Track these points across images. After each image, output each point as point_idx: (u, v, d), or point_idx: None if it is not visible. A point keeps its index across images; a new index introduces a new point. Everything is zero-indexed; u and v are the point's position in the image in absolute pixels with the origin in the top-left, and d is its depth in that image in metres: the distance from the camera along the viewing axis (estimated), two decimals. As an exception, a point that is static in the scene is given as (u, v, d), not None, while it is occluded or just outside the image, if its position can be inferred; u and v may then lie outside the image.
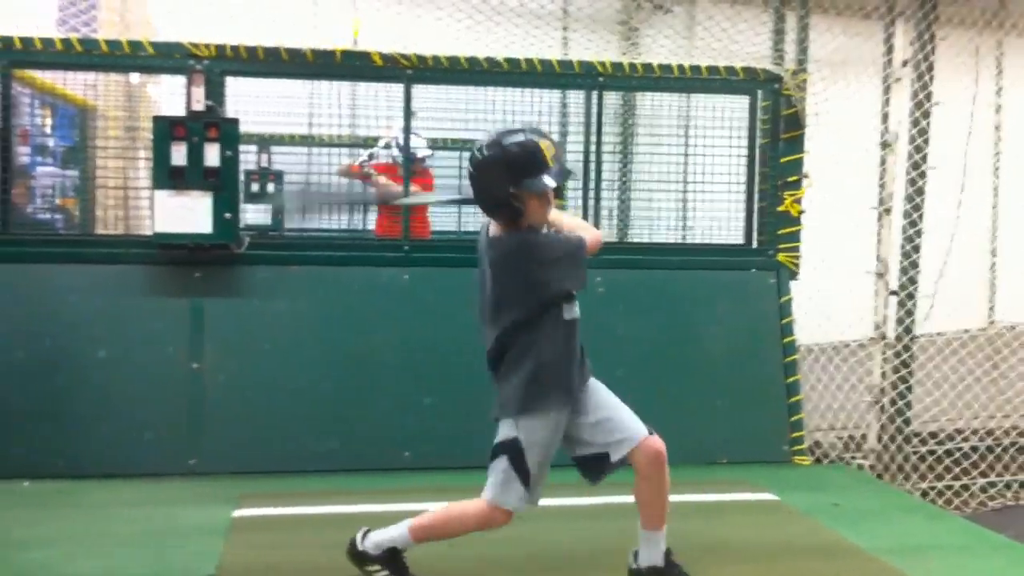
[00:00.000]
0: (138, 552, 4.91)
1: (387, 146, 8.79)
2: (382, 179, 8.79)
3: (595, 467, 4.24)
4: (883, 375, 7.52)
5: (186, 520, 5.45)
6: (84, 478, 6.19)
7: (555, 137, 9.73)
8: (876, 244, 7.67)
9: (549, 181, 3.98)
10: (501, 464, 4.14)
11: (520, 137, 4.02)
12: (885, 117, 7.86)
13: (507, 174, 3.95)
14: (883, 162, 7.78)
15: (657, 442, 4.21)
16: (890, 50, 7.86)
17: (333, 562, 4.49)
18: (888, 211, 7.70)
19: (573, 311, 4.19)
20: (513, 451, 4.11)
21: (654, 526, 4.29)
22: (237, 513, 5.51)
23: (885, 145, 7.67)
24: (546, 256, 4.07)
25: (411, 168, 7.37)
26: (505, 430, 4.16)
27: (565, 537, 5.19)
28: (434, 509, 4.33)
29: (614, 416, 4.25)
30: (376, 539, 4.34)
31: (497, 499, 4.15)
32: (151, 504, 5.78)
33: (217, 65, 6.76)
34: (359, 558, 4.36)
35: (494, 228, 4.12)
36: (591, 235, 4.21)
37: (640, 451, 4.18)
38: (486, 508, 4.18)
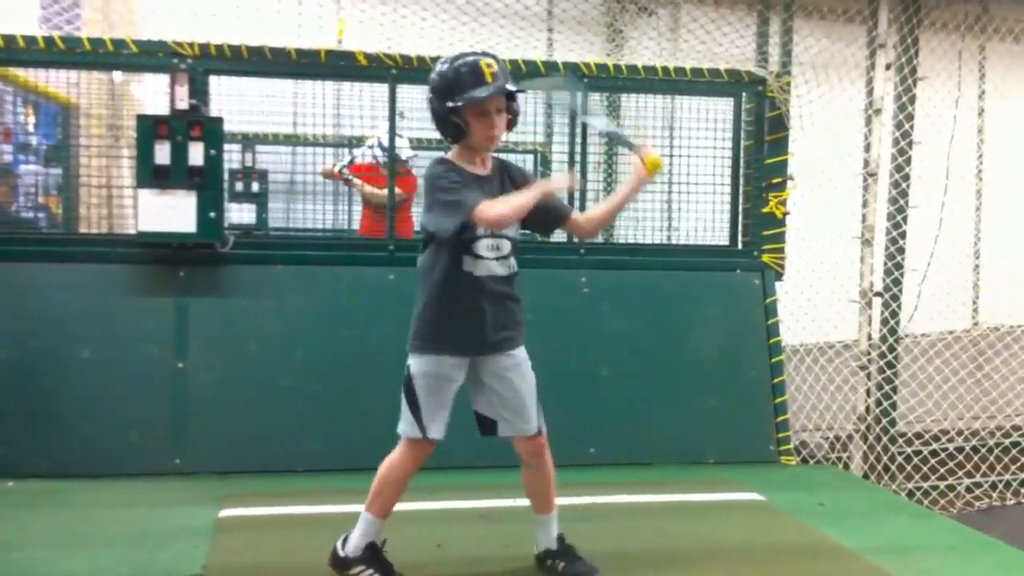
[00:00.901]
0: (123, 552, 4.86)
1: (370, 147, 8.78)
2: (357, 182, 8.77)
3: (486, 427, 4.37)
4: (868, 376, 7.54)
5: (172, 520, 5.41)
6: (69, 478, 6.14)
7: (539, 138, 9.85)
8: (860, 246, 7.69)
9: (480, 93, 4.03)
10: (402, 397, 4.28)
11: (466, 57, 4.14)
12: (868, 120, 7.88)
13: (448, 89, 4.05)
14: (866, 164, 7.80)
15: (541, 440, 4.37)
16: (873, 53, 7.89)
17: (319, 562, 4.47)
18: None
19: (478, 266, 4.19)
20: (406, 383, 4.26)
21: (544, 511, 4.48)
22: (223, 513, 5.48)
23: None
24: (434, 189, 4.11)
25: (394, 168, 7.35)
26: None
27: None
28: None
29: (519, 402, 4.31)
30: (353, 541, 4.36)
31: (401, 430, 4.31)
32: (136, 504, 5.74)
33: (201, 64, 6.72)
34: (342, 565, 4.37)
35: None
36: (498, 209, 4.02)
37: (523, 442, 4.35)
38: (400, 444, 4.33)
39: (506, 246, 4.26)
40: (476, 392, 4.35)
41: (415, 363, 4.25)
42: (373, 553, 4.35)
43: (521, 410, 4.32)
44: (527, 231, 4.58)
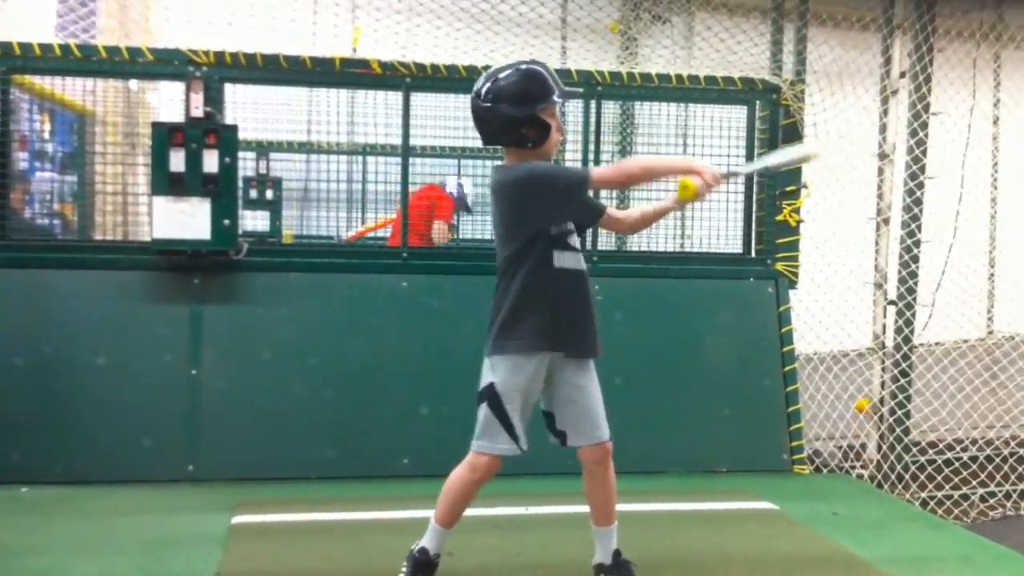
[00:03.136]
0: (136, 559, 4.87)
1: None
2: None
3: (555, 432, 4.37)
4: (882, 385, 7.51)
5: (184, 527, 5.43)
6: (82, 484, 6.17)
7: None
8: (875, 254, 7.66)
9: (560, 94, 4.19)
10: (482, 411, 4.22)
11: (527, 64, 4.27)
12: (883, 128, 7.87)
13: (529, 95, 4.14)
14: (881, 172, 7.78)
15: (606, 448, 4.33)
16: (888, 61, 7.88)
17: (332, 570, 4.48)
18: (887, 221, 7.71)
19: (565, 259, 4.24)
20: (491, 396, 4.19)
21: (602, 523, 4.43)
22: (236, 520, 5.49)
23: (883, 156, 7.68)
24: (545, 185, 4.14)
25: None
26: (485, 373, 4.25)
27: (561, 545, 5.16)
28: None
29: (585, 409, 4.31)
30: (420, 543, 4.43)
31: (481, 446, 4.24)
32: (149, 511, 5.76)
33: (216, 72, 6.76)
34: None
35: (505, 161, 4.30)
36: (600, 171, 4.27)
37: (588, 451, 4.31)
38: (471, 455, 4.27)
39: (574, 240, 4.34)
40: (546, 394, 4.35)
41: (501, 371, 4.20)
42: (420, 563, 4.40)
43: (590, 416, 4.31)
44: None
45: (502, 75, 4.19)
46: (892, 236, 7.69)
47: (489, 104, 4.16)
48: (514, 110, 4.12)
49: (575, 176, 4.24)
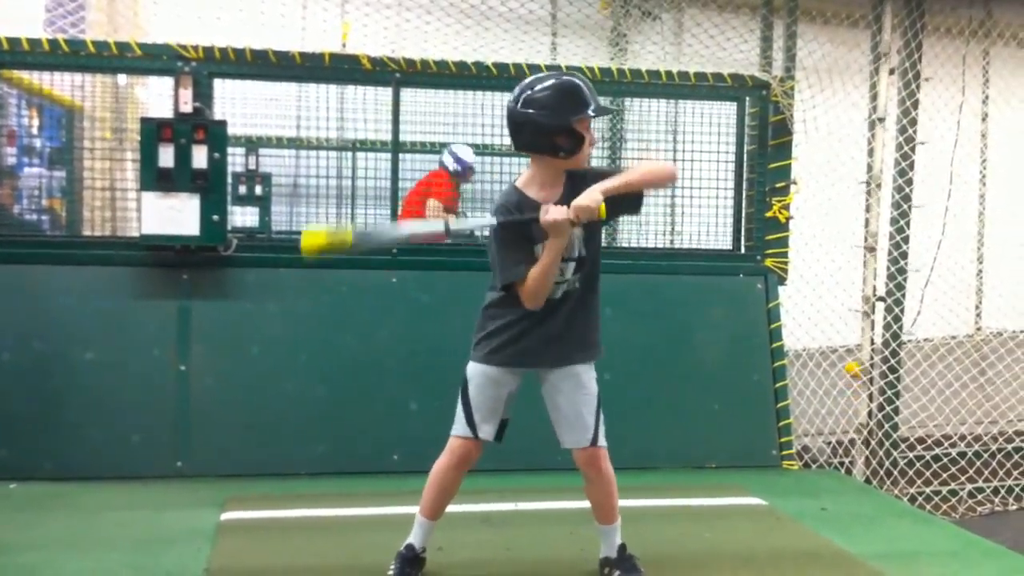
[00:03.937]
0: (126, 555, 4.86)
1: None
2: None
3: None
4: (871, 381, 7.53)
5: (174, 523, 5.43)
6: (71, 480, 6.16)
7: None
8: (864, 251, 7.69)
9: (594, 110, 4.18)
10: (460, 396, 4.40)
11: (559, 76, 4.31)
12: (872, 125, 7.88)
13: (565, 105, 4.14)
14: (870, 169, 7.80)
15: (594, 452, 4.38)
16: (877, 58, 7.89)
17: (321, 566, 4.47)
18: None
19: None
20: (463, 385, 4.38)
21: (603, 521, 4.51)
22: (225, 516, 5.48)
23: (880, 120, 7.66)
24: (491, 253, 4.23)
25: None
26: None
27: (551, 541, 5.18)
28: None
29: (567, 414, 4.37)
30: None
31: (452, 429, 4.42)
32: (139, 507, 5.75)
33: (205, 67, 6.74)
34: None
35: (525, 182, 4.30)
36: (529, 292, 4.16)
37: (575, 454, 4.39)
38: (449, 440, 4.43)
39: (568, 269, 4.28)
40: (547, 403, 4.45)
41: (471, 369, 4.38)
42: (407, 558, 4.47)
43: (576, 419, 4.35)
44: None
45: (539, 84, 4.19)
46: (881, 233, 7.70)
47: (525, 111, 4.16)
48: (549, 119, 4.12)
49: (507, 274, 4.16)
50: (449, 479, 4.41)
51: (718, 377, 7.22)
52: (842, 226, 8.11)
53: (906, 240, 7.65)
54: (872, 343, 7.61)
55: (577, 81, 4.24)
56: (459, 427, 4.37)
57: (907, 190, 7.69)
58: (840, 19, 8.23)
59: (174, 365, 6.56)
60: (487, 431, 4.34)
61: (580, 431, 4.34)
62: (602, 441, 4.39)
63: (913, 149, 7.77)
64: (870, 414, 7.54)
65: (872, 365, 7.58)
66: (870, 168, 7.72)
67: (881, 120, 7.65)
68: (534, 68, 7.15)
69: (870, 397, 7.53)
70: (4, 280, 6.54)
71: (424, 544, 4.46)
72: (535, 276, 4.11)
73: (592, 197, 4.01)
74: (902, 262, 7.66)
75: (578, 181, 4.17)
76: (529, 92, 4.17)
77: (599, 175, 4.17)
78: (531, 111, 4.14)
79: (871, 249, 7.57)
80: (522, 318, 4.25)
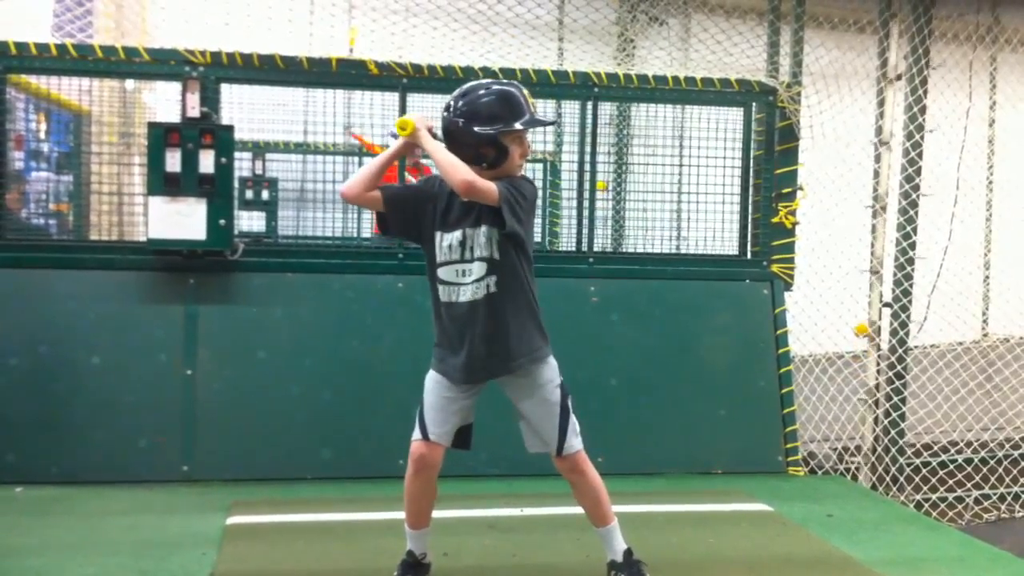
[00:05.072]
0: (132, 559, 4.88)
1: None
2: None
3: None
4: (877, 387, 7.52)
5: (180, 527, 5.43)
6: (78, 484, 6.18)
7: (550, 147, 9.86)
8: (870, 256, 7.67)
9: (524, 122, 4.16)
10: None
11: (500, 85, 4.31)
12: (879, 131, 7.86)
13: (496, 115, 4.13)
14: (877, 175, 7.78)
15: (568, 460, 4.37)
16: (884, 64, 7.88)
17: (326, 570, 4.47)
18: (884, 217, 7.68)
19: (448, 293, 4.32)
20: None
21: (597, 523, 4.49)
22: (231, 521, 5.49)
23: (885, 143, 7.65)
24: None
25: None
26: None
27: (556, 546, 5.18)
28: None
29: (530, 423, 4.37)
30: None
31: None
32: (145, 511, 5.76)
33: (212, 72, 6.76)
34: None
35: None
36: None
37: (555, 461, 4.38)
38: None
39: (471, 271, 4.25)
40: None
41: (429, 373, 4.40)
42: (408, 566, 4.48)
43: (537, 430, 4.34)
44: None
45: (474, 92, 4.19)
46: (888, 238, 7.68)
47: (455, 118, 4.16)
48: (477, 128, 4.12)
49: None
50: (413, 486, 4.34)
51: (724, 382, 7.22)
52: (850, 231, 8.09)
53: (913, 246, 7.61)
54: (878, 349, 7.59)
55: (512, 91, 4.22)
56: (415, 430, 4.34)
57: (914, 196, 7.66)
58: (847, 25, 8.22)
59: (180, 369, 6.58)
60: (438, 434, 4.26)
61: (542, 438, 4.34)
62: (573, 447, 4.35)
63: (920, 155, 7.74)
64: (876, 420, 7.52)
65: (879, 371, 7.56)
66: (875, 189, 7.69)
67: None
68: (540, 73, 7.17)
69: (876, 403, 7.51)
70: (11, 284, 6.57)
71: (422, 550, 4.45)
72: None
73: (420, 118, 4.17)
74: (909, 268, 7.63)
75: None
76: (461, 100, 4.18)
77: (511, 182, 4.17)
78: (460, 120, 4.15)
79: (875, 272, 7.55)
80: (440, 326, 4.37)
